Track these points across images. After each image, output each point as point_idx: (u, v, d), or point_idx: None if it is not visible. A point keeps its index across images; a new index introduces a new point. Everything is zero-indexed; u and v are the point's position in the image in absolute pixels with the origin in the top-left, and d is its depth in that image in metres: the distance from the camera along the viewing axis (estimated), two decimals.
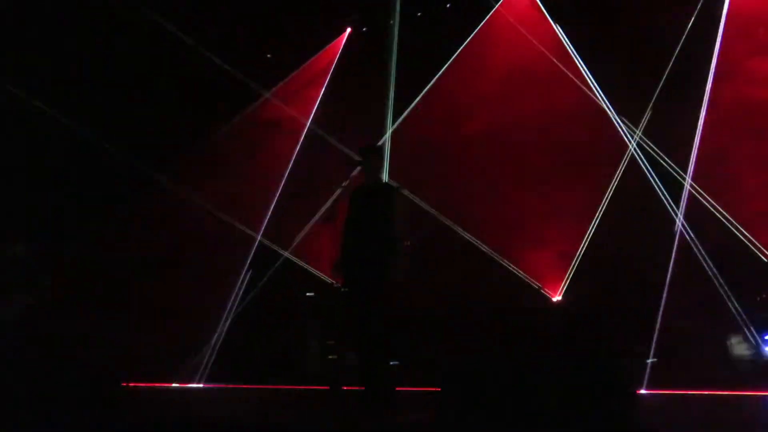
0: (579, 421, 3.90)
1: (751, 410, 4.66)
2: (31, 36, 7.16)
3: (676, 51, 6.60)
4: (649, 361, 5.43)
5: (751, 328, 5.75)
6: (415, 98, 7.53)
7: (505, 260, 7.04)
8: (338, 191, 5.10)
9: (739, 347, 5.76)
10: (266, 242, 7.69)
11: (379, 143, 7.26)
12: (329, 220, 5.15)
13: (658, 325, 5.86)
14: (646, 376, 5.29)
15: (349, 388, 5.59)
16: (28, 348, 5.94)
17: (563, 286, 6.85)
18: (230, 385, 6.89)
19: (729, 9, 6.71)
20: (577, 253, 6.76)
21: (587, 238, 6.71)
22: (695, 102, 6.59)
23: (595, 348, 4.81)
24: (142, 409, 5.28)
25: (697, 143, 6.46)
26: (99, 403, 4.86)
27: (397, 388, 4.99)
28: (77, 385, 4.97)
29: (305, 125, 7.84)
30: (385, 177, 6.31)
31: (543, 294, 6.90)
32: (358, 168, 5.20)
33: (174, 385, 7.04)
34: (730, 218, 6.23)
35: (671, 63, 6.62)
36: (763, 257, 6.02)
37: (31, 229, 7.48)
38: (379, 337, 4.79)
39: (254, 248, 7.69)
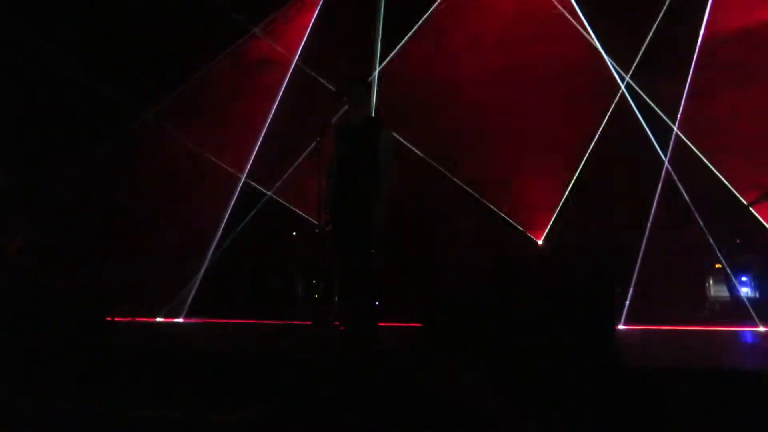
0: (558, 354, 3.99)
1: (724, 343, 4.79)
2: None
3: None
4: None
5: (729, 270, 5.87)
6: (405, 36, 7.38)
7: (491, 204, 7.06)
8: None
9: (716, 288, 5.89)
10: (251, 182, 7.64)
11: (368, 80, 7.14)
12: (314, 157, 5.08)
13: (638, 266, 5.96)
14: (624, 312, 5.41)
15: (333, 325, 5.65)
16: (14, 285, 5.91)
17: (548, 229, 6.91)
18: (214, 320, 6.95)
19: None
20: (563, 196, 6.79)
21: (573, 180, 6.73)
22: (687, 49, 6.54)
23: (575, 286, 4.88)
24: (127, 341, 5.31)
25: (687, 89, 6.45)
26: (84, 335, 4.89)
27: (379, 324, 5.04)
28: (62, 320, 4.99)
29: (292, 62, 7.69)
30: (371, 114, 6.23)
31: (527, 237, 6.95)
32: (345, 107, 5.11)
33: (159, 319, 7.09)
34: (714, 164, 6.29)
35: (664, 8, 6.54)
36: (743, 201, 6.10)
37: (15, 167, 7.36)
38: (364, 276, 4.80)
39: (239, 187, 7.64)
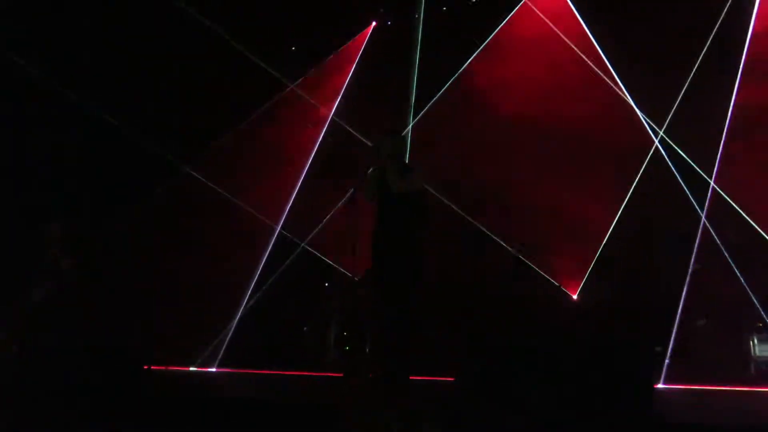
0: (596, 412, 3.89)
1: None
2: (61, 26, 7.30)
3: (704, 50, 6.56)
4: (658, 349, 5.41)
5: None
6: (438, 93, 7.55)
7: (525, 258, 7.02)
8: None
9: (760, 347, 5.69)
10: (285, 233, 7.77)
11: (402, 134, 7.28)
12: (348, 208, 5.16)
13: (676, 323, 5.81)
14: (664, 371, 5.26)
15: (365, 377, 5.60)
16: (49, 332, 6.04)
17: (582, 284, 6.81)
18: (246, 370, 6.95)
19: (759, 9, 6.65)
20: (598, 251, 6.72)
21: (608, 235, 6.67)
22: (722, 103, 6.53)
23: (613, 343, 4.79)
24: (163, 392, 5.34)
25: (723, 143, 6.41)
26: (122, 386, 4.93)
27: (411, 377, 5.00)
28: (99, 369, 5.05)
29: (328, 117, 7.91)
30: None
31: (562, 291, 6.85)
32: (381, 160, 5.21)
33: (192, 368, 7.13)
34: (754, 220, 6.17)
35: (698, 63, 6.58)
36: None
37: (56, 215, 7.60)
38: (401, 326, 4.79)
39: (274, 238, 7.77)
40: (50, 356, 5.15)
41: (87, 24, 7.29)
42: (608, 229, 6.71)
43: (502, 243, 7.09)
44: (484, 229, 7.15)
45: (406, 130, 7.52)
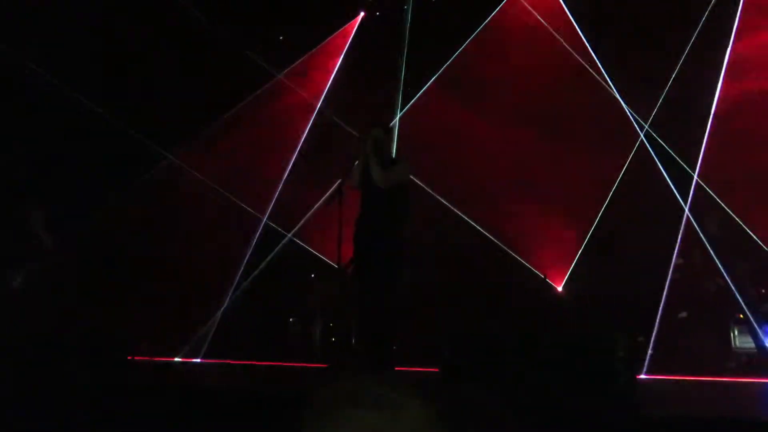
0: (578, 403, 3.93)
1: (750, 395, 4.68)
2: (46, 13, 7.19)
3: (689, 44, 6.61)
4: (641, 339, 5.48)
5: (753, 320, 5.76)
6: (426, 84, 7.54)
7: (510, 249, 7.05)
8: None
9: (741, 338, 5.77)
10: (272, 224, 7.74)
11: (390, 125, 7.27)
12: (334, 199, 5.15)
13: (659, 315, 5.88)
14: (646, 362, 5.33)
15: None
16: (32, 322, 5.99)
17: (567, 276, 6.86)
18: (231, 361, 6.95)
19: (744, 2, 6.70)
20: (583, 244, 6.77)
21: (593, 228, 6.72)
22: (706, 97, 6.59)
23: (596, 334, 4.84)
24: (147, 382, 5.33)
25: (707, 136, 6.47)
26: (105, 376, 4.92)
27: (396, 368, 5.02)
28: (83, 359, 5.03)
29: (316, 107, 7.87)
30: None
31: (546, 283, 6.90)
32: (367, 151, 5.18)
33: (177, 359, 7.11)
34: (737, 213, 6.25)
35: (683, 57, 6.62)
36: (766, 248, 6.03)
37: (40, 202, 7.51)
38: (386, 314, 4.81)
39: (260, 228, 7.74)
40: (30, 348, 5.12)
41: (69, 10, 7.18)
42: (593, 222, 6.75)
43: (486, 234, 7.12)
44: (469, 221, 7.17)
45: (394, 122, 7.52)
